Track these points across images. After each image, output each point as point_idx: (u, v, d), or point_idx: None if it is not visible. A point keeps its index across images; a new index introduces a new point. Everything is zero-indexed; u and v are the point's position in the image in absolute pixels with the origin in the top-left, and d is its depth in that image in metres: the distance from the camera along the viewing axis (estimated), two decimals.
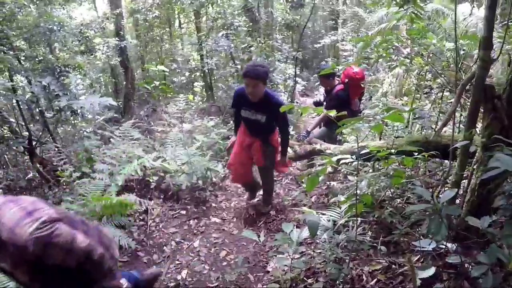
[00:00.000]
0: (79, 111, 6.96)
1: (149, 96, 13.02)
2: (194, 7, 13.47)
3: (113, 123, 9.80)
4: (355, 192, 3.36)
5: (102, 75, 16.01)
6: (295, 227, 3.61)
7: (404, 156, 3.40)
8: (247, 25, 12.10)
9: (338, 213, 4.03)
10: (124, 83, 14.87)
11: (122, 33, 13.68)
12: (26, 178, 6.15)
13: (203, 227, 5.41)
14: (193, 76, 14.12)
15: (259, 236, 3.35)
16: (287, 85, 11.91)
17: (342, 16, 18.30)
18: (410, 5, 4.28)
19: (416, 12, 4.38)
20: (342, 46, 14.92)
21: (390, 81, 11.25)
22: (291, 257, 3.52)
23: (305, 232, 3.48)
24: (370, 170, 4.94)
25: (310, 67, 22.37)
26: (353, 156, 3.55)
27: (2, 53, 6.06)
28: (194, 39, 16.36)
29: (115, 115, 9.08)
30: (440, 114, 5.89)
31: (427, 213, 3.68)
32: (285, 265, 3.55)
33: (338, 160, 3.48)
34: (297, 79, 11.93)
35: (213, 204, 6.04)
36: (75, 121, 7.94)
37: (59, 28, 7.54)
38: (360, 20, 15.72)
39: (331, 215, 4.02)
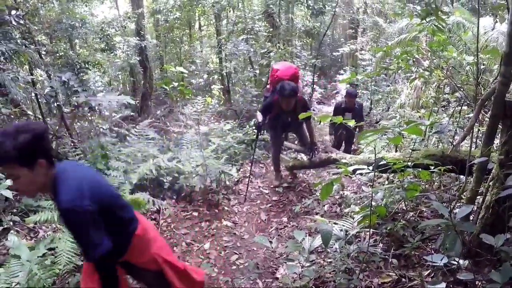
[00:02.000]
0: (96, 107, 7.00)
1: (166, 97, 13.11)
2: (215, 10, 13.54)
3: (129, 122, 9.86)
4: (369, 203, 3.36)
5: (121, 73, 16.12)
6: (307, 235, 3.60)
7: (420, 169, 3.39)
8: (267, 31, 12.11)
9: (351, 223, 4.01)
10: (142, 82, 15.00)
11: (142, 32, 13.80)
12: None
13: (215, 230, 5.41)
14: (211, 78, 14.17)
15: (271, 243, 3.34)
16: (305, 92, 11.90)
17: (362, 25, 18.24)
18: (432, 17, 4.26)
19: (438, 24, 4.36)
20: (361, 56, 14.86)
21: (408, 93, 11.20)
22: (301, 264, 3.52)
23: (317, 241, 3.47)
24: (386, 182, 4.92)
25: (328, 75, 22.30)
26: (370, 167, 3.54)
27: (24, 46, 6.13)
28: (213, 42, 16.44)
29: (131, 113, 9.13)
30: (458, 129, 5.85)
31: (439, 228, 3.67)
32: (295, 273, 3.54)
33: (354, 170, 3.47)
34: (315, 86, 11.92)
35: (226, 208, 6.04)
36: (92, 117, 7.99)
37: (80, 25, 7.61)
38: (380, 30, 15.64)
39: (343, 225, 4.01)
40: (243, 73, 13.16)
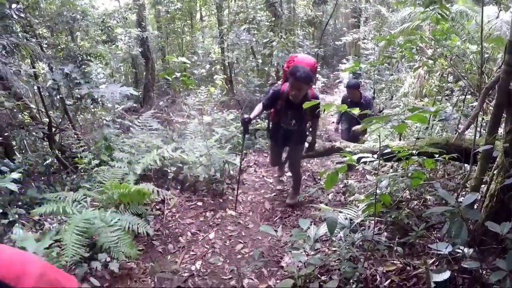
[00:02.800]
0: (99, 99, 7.00)
1: (169, 88, 13.10)
2: (216, 0, 13.50)
3: (132, 113, 9.89)
4: (374, 192, 3.36)
5: (123, 65, 16.12)
6: (312, 224, 3.62)
7: (425, 157, 3.39)
8: (269, 20, 12.06)
9: (355, 212, 4.02)
10: (144, 73, 15.01)
11: (143, 24, 13.79)
12: (45, 163, 6.20)
13: (219, 220, 5.44)
14: (213, 69, 14.15)
15: (276, 231, 3.35)
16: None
17: (364, 14, 18.17)
18: (435, 5, 4.25)
19: (441, 13, 4.34)
20: (364, 45, 14.82)
21: (411, 82, 11.18)
22: (306, 253, 3.54)
23: (322, 229, 3.49)
24: (390, 170, 4.93)
25: (330, 64, 22.26)
26: (374, 156, 3.55)
27: (25, 40, 6.12)
28: (215, 32, 16.40)
29: (134, 104, 9.14)
30: (462, 117, 5.84)
31: (444, 216, 3.68)
32: (300, 261, 3.56)
33: (359, 158, 3.48)
34: (317, 75, 11.89)
35: (230, 197, 6.07)
36: (95, 109, 8.01)
37: (82, 17, 7.60)
38: (382, 19, 15.58)
39: (348, 214, 4.02)
40: (246, 63, 13.16)
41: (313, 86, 6.20)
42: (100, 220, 4.00)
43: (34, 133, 6.78)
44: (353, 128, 6.59)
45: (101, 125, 7.55)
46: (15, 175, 4.07)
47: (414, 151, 3.56)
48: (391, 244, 3.72)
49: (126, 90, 6.41)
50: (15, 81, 5.42)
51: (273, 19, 12.30)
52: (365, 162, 3.95)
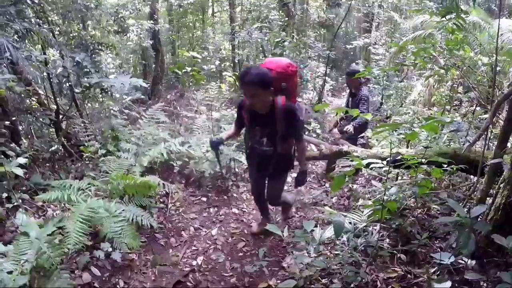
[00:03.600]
0: (108, 89, 7.01)
1: (177, 81, 13.11)
2: None
3: (139, 105, 9.88)
4: (382, 198, 3.37)
5: (132, 56, 16.12)
6: (317, 226, 3.62)
7: (434, 166, 3.40)
8: (282, 20, 12.04)
9: (359, 217, 4.03)
10: (153, 66, 15.00)
11: (156, 16, 13.78)
12: (50, 150, 6.22)
13: (223, 216, 5.46)
14: (222, 65, 14.15)
15: (282, 231, 3.36)
16: (316, 83, 11.89)
17: (376, 19, 18.16)
18: (452, 15, 4.25)
19: (457, 23, 4.35)
20: (374, 50, 14.81)
21: (420, 90, 11.18)
22: (309, 255, 3.54)
23: (328, 232, 3.49)
24: (399, 178, 4.94)
25: (339, 68, 22.24)
26: (384, 162, 3.55)
27: (38, 26, 6.13)
28: (226, 29, 16.40)
29: (142, 96, 9.11)
30: (471, 129, 5.84)
31: (449, 226, 3.69)
32: (301, 263, 3.56)
33: (368, 163, 3.48)
34: (326, 78, 11.89)
35: (234, 194, 6.08)
36: (103, 99, 8.00)
37: (95, 5, 7.60)
38: (395, 25, 15.58)
39: (352, 218, 4.03)
40: (256, 61, 13.14)
41: (300, 99, 4.73)
42: (105, 209, 4.01)
43: (41, 119, 6.80)
44: (345, 129, 6.41)
45: (107, 115, 7.54)
46: (22, 160, 4.05)
47: (423, 160, 3.57)
48: (394, 251, 3.73)
49: (136, 81, 6.40)
50: (26, 67, 5.43)
51: (287, 18, 12.29)
52: (372, 168, 3.97)
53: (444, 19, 4.30)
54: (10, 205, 4.40)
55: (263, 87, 3.62)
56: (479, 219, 3.46)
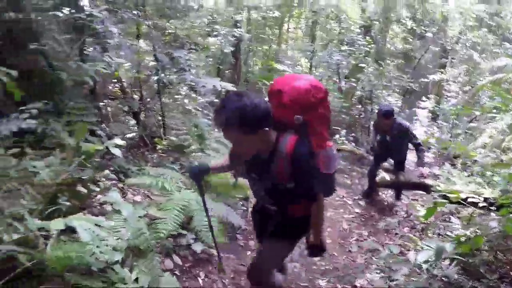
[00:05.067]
0: (196, 88, 7.17)
1: (248, 90, 13.29)
2: (315, 16, 13.61)
3: (213, 107, 10.04)
4: (473, 232, 3.34)
5: (211, 60, 16.48)
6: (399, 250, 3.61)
7: None
8: (368, 45, 11.99)
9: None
10: (226, 71, 15.26)
11: (239, 25, 14.06)
12: (126, 137, 6.34)
13: None
14: None
15: (380, 249, 3.39)
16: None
17: (453, 56, 17.81)
18: None
19: None
20: (448, 86, 14.55)
21: (490, 133, 10.88)
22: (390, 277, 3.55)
23: (421, 256, 3.46)
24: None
25: (407, 100, 21.98)
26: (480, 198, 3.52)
27: (138, 17, 6.32)
28: (301, 45, 16.50)
29: (215, 100, 9.24)
30: None
31: None
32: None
33: (465, 198, 3.46)
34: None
35: None
36: (186, 96, 8.14)
37: (197, 8, 7.79)
38: (475, 64, 15.25)
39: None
40: (330, 84, 13.15)
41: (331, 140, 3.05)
42: (196, 202, 4.05)
43: (120, 106, 7.00)
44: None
45: (185, 112, 7.67)
46: (119, 141, 4.15)
47: None
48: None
49: (225, 85, 6.54)
50: (129, 54, 5.66)
51: (373, 44, 12.26)
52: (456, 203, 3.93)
53: None
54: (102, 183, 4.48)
55: (243, 131, 2.33)
56: None
